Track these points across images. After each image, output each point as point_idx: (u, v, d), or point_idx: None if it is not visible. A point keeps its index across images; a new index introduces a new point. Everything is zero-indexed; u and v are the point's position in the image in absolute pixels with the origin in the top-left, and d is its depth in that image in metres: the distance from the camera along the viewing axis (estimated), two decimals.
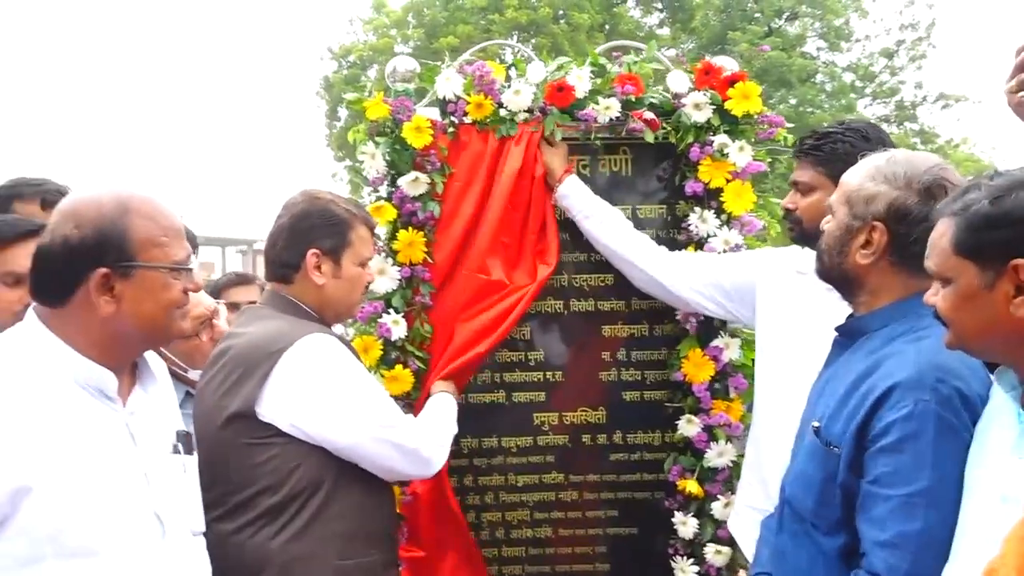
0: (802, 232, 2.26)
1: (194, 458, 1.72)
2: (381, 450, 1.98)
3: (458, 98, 2.59)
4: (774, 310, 2.39)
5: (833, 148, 2.19)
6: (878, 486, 1.55)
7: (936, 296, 1.47)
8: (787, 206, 2.31)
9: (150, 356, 1.73)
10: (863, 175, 1.71)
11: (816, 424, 1.70)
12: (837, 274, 1.76)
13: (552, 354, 2.73)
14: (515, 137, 2.61)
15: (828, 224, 1.77)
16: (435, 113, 2.63)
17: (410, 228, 2.57)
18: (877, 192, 1.67)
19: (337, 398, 1.94)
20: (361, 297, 2.22)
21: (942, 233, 1.43)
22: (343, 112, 20.50)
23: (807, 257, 2.25)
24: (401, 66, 2.66)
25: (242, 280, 3.36)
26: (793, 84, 18.76)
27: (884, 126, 20.12)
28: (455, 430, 2.30)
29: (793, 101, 18.99)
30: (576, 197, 2.60)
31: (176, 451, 1.66)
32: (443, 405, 2.34)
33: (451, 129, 2.61)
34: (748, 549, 2.37)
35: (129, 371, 1.64)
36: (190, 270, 1.63)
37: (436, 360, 2.57)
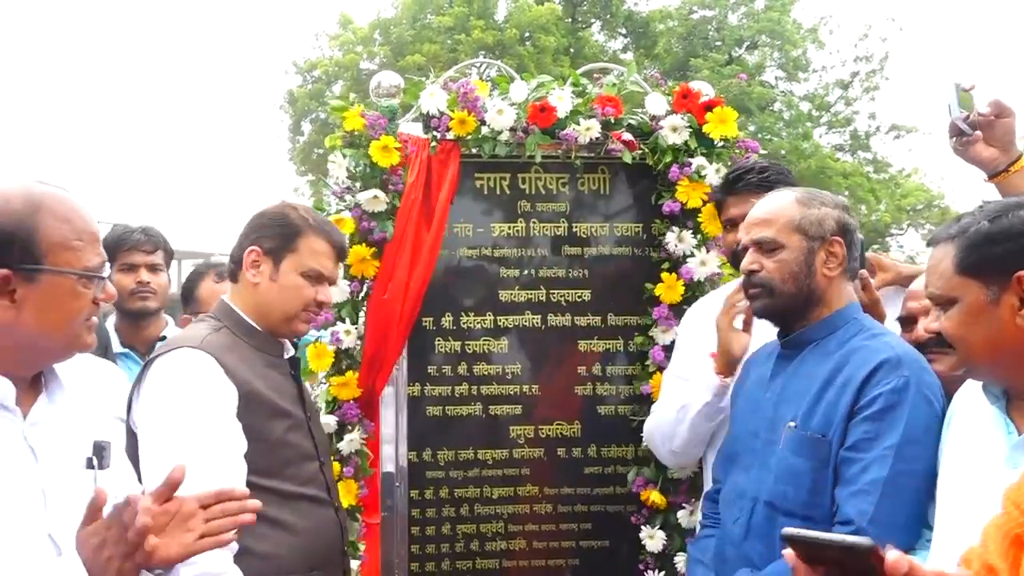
0: None
1: (109, 472, 1.52)
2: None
3: (442, 114, 2.64)
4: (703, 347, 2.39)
5: (779, 178, 2.32)
6: (854, 451, 1.74)
7: (937, 321, 1.54)
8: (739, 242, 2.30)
9: (62, 363, 1.57)
10: (796, 205, 1.91)
11: (792, 424, 1.83)
12: (802, 298, 1.90)
13: (529, 368, 2.77)
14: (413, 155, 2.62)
15: (779, 257, 1.90)
16: (418, 128, 2.67)
17: (364, 244, 2.60)
18: (824, 214, 1.90)
19: (164, 429, 1.78)
20: (300, 312, 2.04)
21: (941, 258, 1.51)
22: (306, 126, 20.43)
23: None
24: (386, 81, 2.69)
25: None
26: (752, 112, 19.16)
27: (839, 155, 20.66)
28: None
29: (752, 128, 19.38)
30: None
31: (90, 465, 1.47)
32: None
33: (433, 144, 2.65)
34: None
35: (32, 381, 1.49)
36: (104, 279, 1.49)
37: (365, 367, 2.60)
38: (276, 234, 2.02)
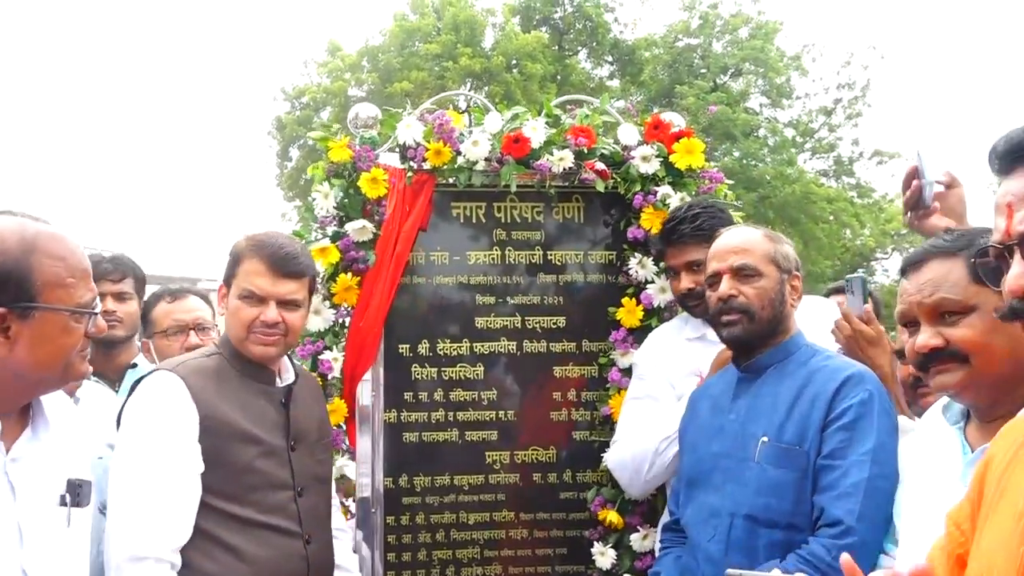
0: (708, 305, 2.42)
1: (86, 510, 1.60)
2: (111, 516, 1.85)
3: (418, 144, 2.69)
4: (678, 380, 2.47)
5: (711, 224, 2.38)
6: (831, 459, 1.85)
7: (936, 338, 1.53)
8: (689, 287, 2.41)
9: (50, 398, 1.63)
10: (766, 239, 2.07)
11: (765, 439, 1.93)
12: (775, 324, 2.03)
13: (504, 394, 2.80)
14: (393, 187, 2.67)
15: (758, 284, 2.01)
16: (395, 159, 2.72)
17: (349, 273, 2.64)
18: (788, 250, 2.07)
19: (122, 447, 1.91)
20: (248, 335, 2.05)
21: (947, 270, 1.54)
22: (294, 152, 20.50)
23: (693, 325, 2.51)
24: (363, 112, 2.75)
25: None
26: (737, 138, 19.35)
27: (823, 180, 20.85)
28: None
29: (737, 154, 19.58)
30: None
31: (63, 503, 1.53)
32: None
33: (410, 174, 2.70)
34: None
35: (20, 415, 1.55)
36: (95, 313, 1.55)
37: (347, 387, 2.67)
38: (228, 265, 2.12)
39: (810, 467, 1.88)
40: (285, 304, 2.06)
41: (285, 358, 2.20)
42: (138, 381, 2.01)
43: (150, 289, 3.29)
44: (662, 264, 2.69)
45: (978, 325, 1.51)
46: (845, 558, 1.04)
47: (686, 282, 2.43)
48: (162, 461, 1.88)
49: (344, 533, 2.28)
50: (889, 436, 1.86)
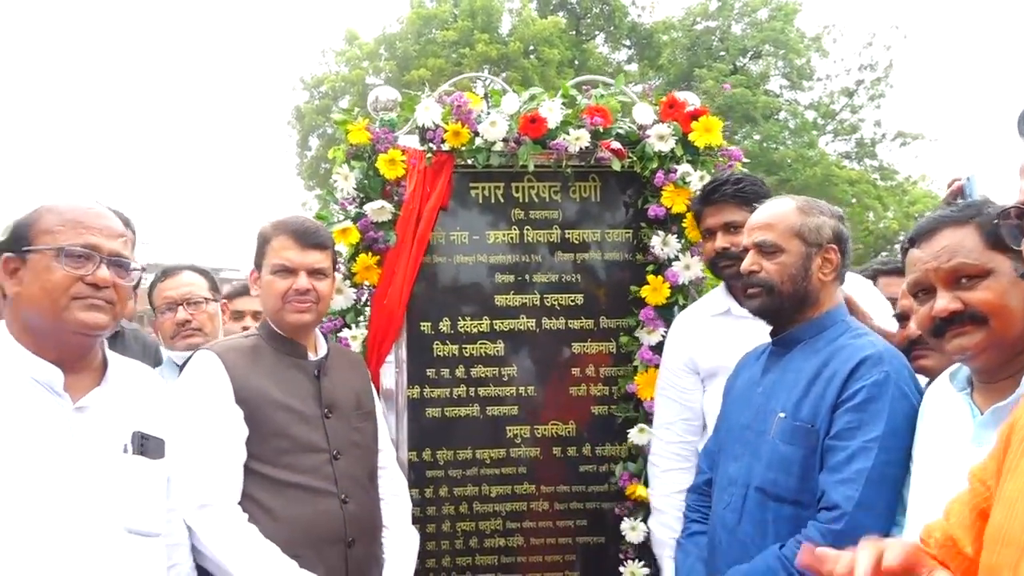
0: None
1: (154, 461, 1.73)
2: (176, 475, 1.88)
3: (436, 126, 2.75)
4: (704, 355, 2.53)
5: (753, 189, 2.43)
6: (838, 439, 1.85)
7: (956, 301, 1.56)
8: (723, 246, 2.45)
9: (121, 359, 1.79)
10: (797, 212, 2.03)
11: (782, 414, 1.95)
12: (798, 298, 2.02)
13: (525, 370, 2.86)
14: (413, 168, 2.74)
15: (778, 260, 2.01)
16: (414, 140, 2.78)
17: (369, 253, 2.71)
18: (822, 222, 2.02)
19: (178, 420, 1.97)
20: (282, 306, 2.18)
21: (962, 237, 1.58)
22: (314, 141, 20.62)
23: (716, 301, 2.54)
24: (383, 95, 2.81)
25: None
26: (757, 121, 19.21)
27: (845, 162, 20.54)
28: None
29: (757, 137, 19.44)
30: None
31: (125, 451, 1.68)
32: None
33: (429, 156, 2.76)
34: None
35: (99, 369, 1.71)
36: (81, 256, 1.61)
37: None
38: (256, 249, 2.26)
39: (819, 445, 1.89)
40: (313, 273, 2.21)
41: (320, 335, 2.33)
42: (185, 363, 2.21)
43: None
44: (684, 241, 2.73)
45: (995, 287, 1.55)
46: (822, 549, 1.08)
47: (721, 241, 2.45)
48: (212, 423, 2.07)
49: (397, 498, 2.37)
50: (903, 421, 1.81)
